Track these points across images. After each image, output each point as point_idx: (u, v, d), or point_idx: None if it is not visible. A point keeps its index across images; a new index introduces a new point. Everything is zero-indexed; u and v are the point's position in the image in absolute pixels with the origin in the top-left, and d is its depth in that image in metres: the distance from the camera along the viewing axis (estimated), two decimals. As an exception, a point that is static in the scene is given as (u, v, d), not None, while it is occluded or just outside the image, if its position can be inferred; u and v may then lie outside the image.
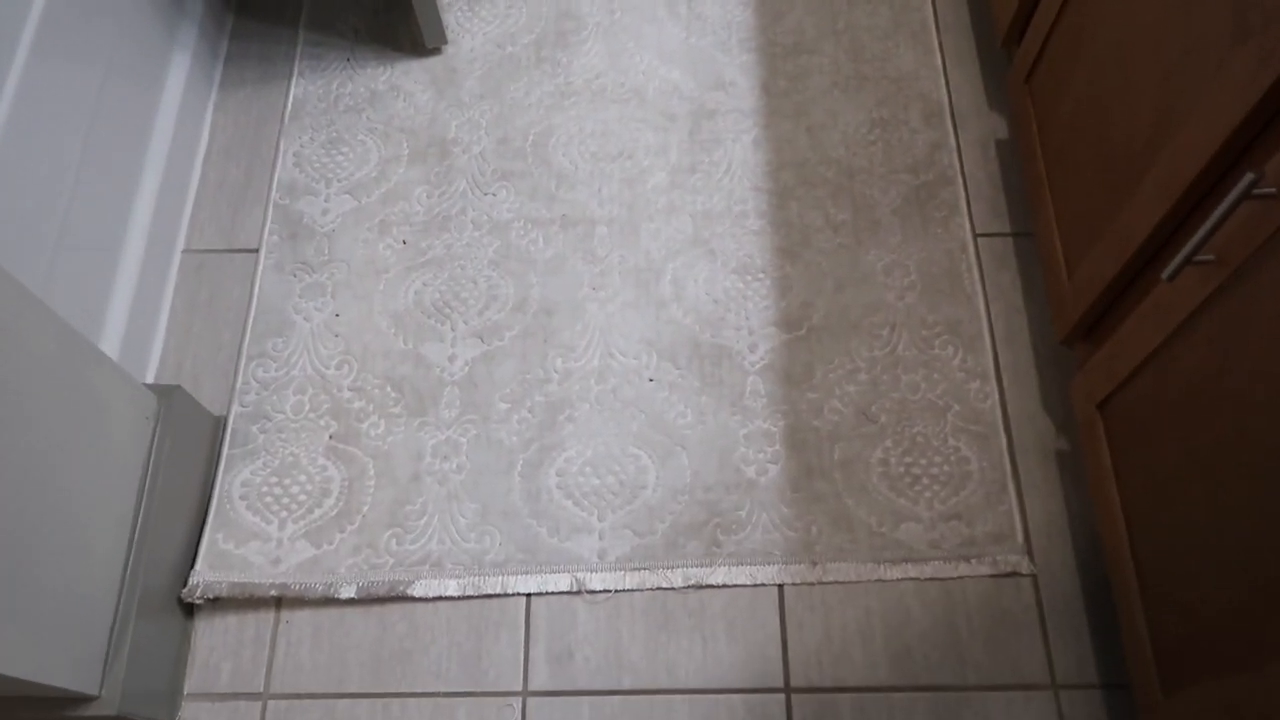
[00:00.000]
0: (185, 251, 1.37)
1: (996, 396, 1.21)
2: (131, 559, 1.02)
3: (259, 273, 1.34)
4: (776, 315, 1.27)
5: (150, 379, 1.28)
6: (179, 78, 1.40)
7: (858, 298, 1.28)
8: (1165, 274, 0.80)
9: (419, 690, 1.10)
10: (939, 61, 1.45)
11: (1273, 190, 0.71)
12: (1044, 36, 1.14)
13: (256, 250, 1.36)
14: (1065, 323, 1.08)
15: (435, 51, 1.50)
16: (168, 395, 1.11)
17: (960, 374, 1.23)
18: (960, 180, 1.36)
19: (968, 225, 1.32)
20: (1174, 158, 0.84)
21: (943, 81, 1.43)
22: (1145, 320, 0.90)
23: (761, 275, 1.30)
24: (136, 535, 1.03)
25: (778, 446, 1.19)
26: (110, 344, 1.20)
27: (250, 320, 1.30)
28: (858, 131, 1.40)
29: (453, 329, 1.28)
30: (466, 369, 1.26)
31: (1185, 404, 0.85)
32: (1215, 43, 0.79)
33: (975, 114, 1.41)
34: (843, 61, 1.46)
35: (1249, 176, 0.70)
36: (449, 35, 1.50)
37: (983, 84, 1.43)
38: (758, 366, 1.24)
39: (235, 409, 1.24)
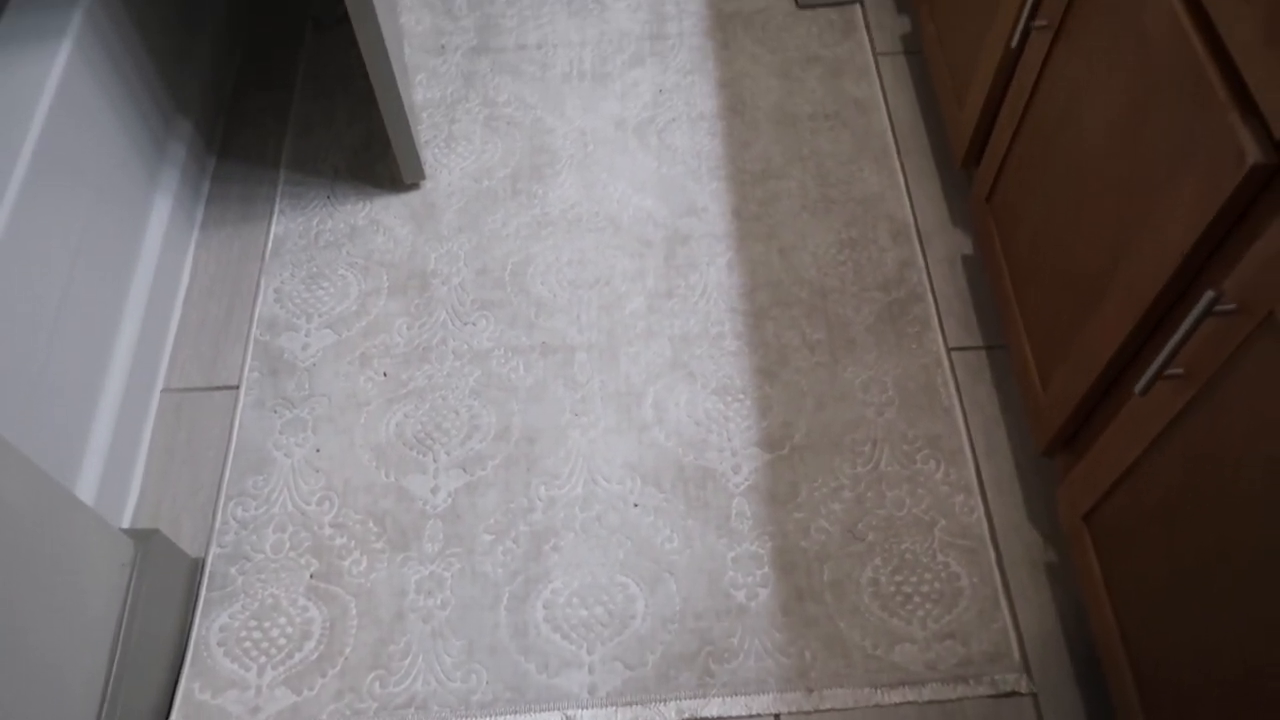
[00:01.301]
0: (164, 391, 1.36)
1: (982, 510, 1.21)
2: (104, 713, 0.98)
3: (239, 410, 1.33)
4: (758, 435, 1.28)
5: (127, 522, 1.25)
6: (161, 220, 1.42)
7: (838, 415, 1.29)
8: (1137, 388, 0.82)
9: (404, 844, 1.04)
10: (902, 182, 1.51)
11: (1233, 306, 0.73)
12: (1000, 160, 1.19)
13: (237, 387, 1.36)
14: (1044, 435, 1.10)
15: (414, 187, 1.54)
16: (145, 540, 1.09)
17: (944, 488, 1.23)
18: (930, 296, 1.39)
19: (940, 340, 1.35)
20: (1134, 276, 0.87)
21: (907, 201, 1.48)
22: (1122, 433, 0.91)
23: (742, 396, 1.31)
24: (110, 689, 1.00)
25: (766, 569, 1.18)
26: (87, 487, 1.19)
27: (229, 458, 1.29)
28: (828, 252, 1.44)
29: (435, 460, 1.28)
30: (449, 500, 1.25)
31: (1169, 513, 0.85)
32: (1164, 166, 0.83)
33: (940, 231, 1.45)
34: (810, 185, 1.51)
35: (1209, 294, 0.73)
36: (427, 171, 1.54)
37: (945, 203, 1.48)
38: (742, 487, 1.24)
39: (214, 550, 1.22)
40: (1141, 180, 0.86)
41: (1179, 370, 0.80)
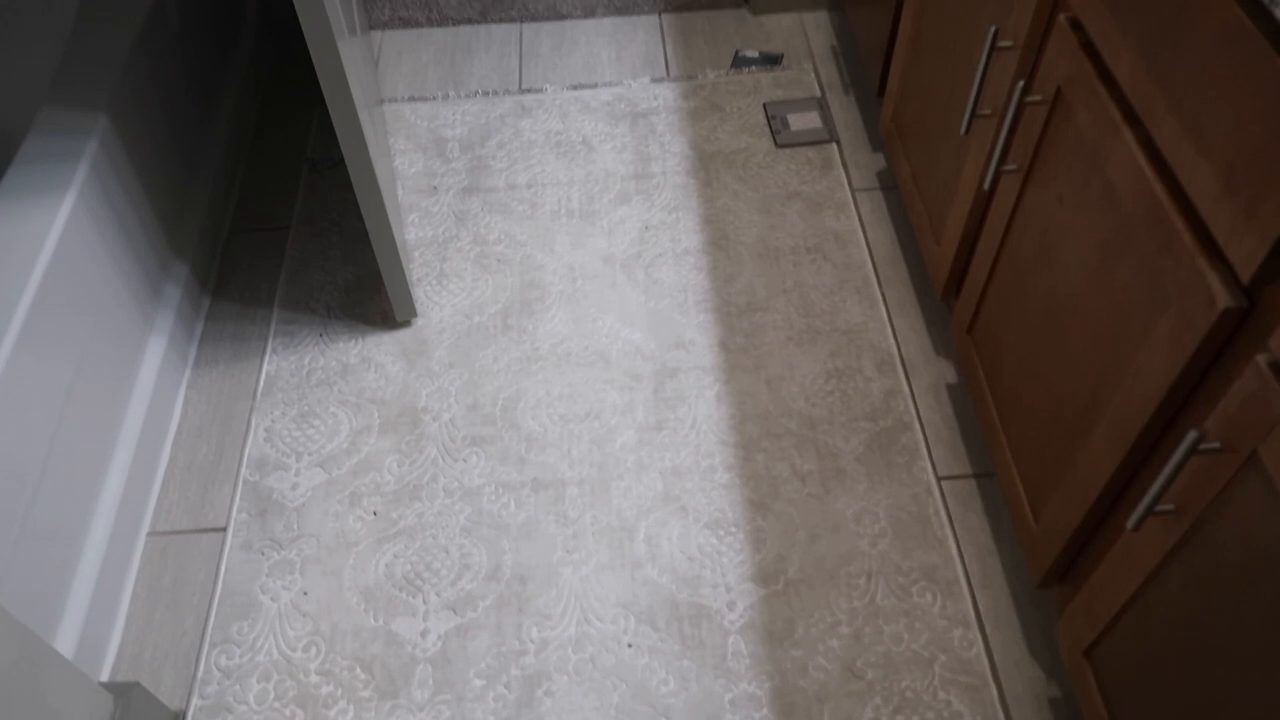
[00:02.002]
0: (150, 534, 1.35)
1: (981, 644, 1.20)
2: None
3: (225, 552, 1.32)
4: (752, 570, 1.27)
5: (107, 673, 1.22)
6: (154, 362, 1.43)
7: (832, 548, 1.28)
8: (1129, 524, 0.82)
9: None
10: (884, 313, 1.54)
11: (1217, 445, 0.74)
12: (979, 293, 1.23)
13: (224, 529, 1.34)
14: (1039, 566, 1.09)
15: (405, 324, 1.56)
16: (125, 694, 1.06)
17: (942, 622, 1.22)
18: (918, 425, 1.40)
19: (930, 469, 1.36)
20: (1118, 412, 0.88)
21: (890, 331, 1.52)
22: (1118, 566, 0.91)
23: (734, 529, 1.31)
24: None
25: (765, 711, 1.15)
26: (67, 637, 1.15)
27: (214, 604, 1.27)
28: (815, 383, 1.46)
29: (424, 602, 1.26)
30: (439, 644, 1.22)
31: (1173, 649, 0.84)
32: (1138, 307, 0.85)
33: (924, 360, 1.48)
34: (794, 317, 1.54)
35: (1192, 434, 0.74)
36: (419, 308, 1.57)
37: (928, 332, 1.51)
38: (738, 625, 1.22)
39: (195, 701, 1.18)
40: (1118, 320, 0.89)
41: (1169, 506, 0.81)
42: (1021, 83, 1.03)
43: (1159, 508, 0.81)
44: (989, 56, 1.09)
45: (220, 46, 1.80)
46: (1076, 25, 0.95)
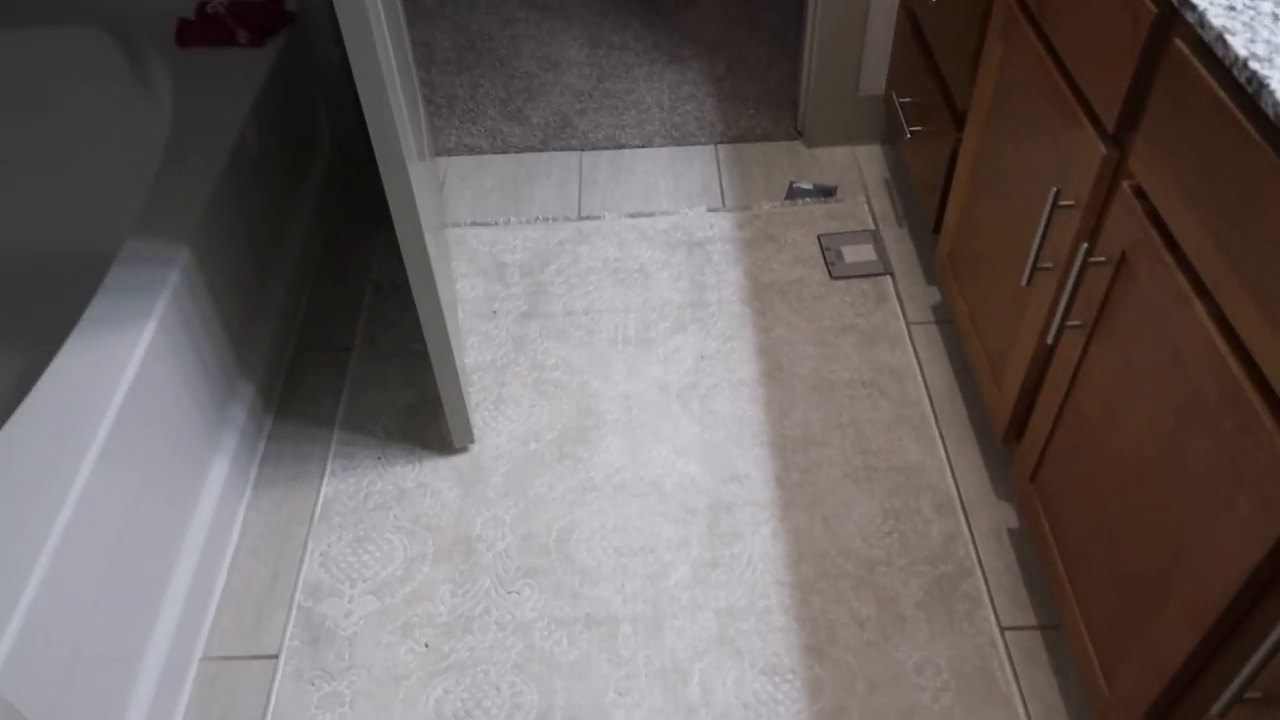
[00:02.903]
0: (203, 659, 1.35)
1: (1051, 812, 1.14)
2: None
3: (276, 681, 1.31)
4: (810, 721, 1.23)
5: (151, 807, 1.20)
6: (216, 482, 1.46)
7: (892, 700, 1.24)
8: (1215, 710, 0.79)
9: None
10: (942, 452, 1.53)
11: (1307, 635, 0.72)
12: (1042, 443, 1.21)
13: (276, 656, 1.34)
14: (1112, 735, 1.05)
15: (462, 450, 1.58)
16: (172, 836, 1.04)
17: (1009, 785, 1.17)
18: (979, 571, 1.37)
19: (993, 619, 1.32)
20: (1197, 588, 0.86)
21: (948, 472, 1.50)
22: (1200, 749, 0.87)
23: (791, 676, 1.28)
24: None
25: None
26: (116, 770, 1.15)
27: (263, 736, 1.26)
28: (872, 522, 1.44)
29: (474, 743, 1.24)
30: (488, 789, 1.19)
31: None
32: (1214, 481, 0.84)
33: (984, 503, 1.46)
34: (850, 454, 1.53)
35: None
36: (475, 434, 1.59)
37: (987, 473, 1.50)
38: (795, 781, 1.18)
39: (239, 842, 1.16)
40: (1193, 491, 0.87)
41: (1258, 694, 0.78)
42: (1085, 245, 1.04)
43: (1248, 694, 0.78)
44: (1050, 214, 1.10)
45: (294, 175, 1.88)
46: (1140, 193, 0.96)
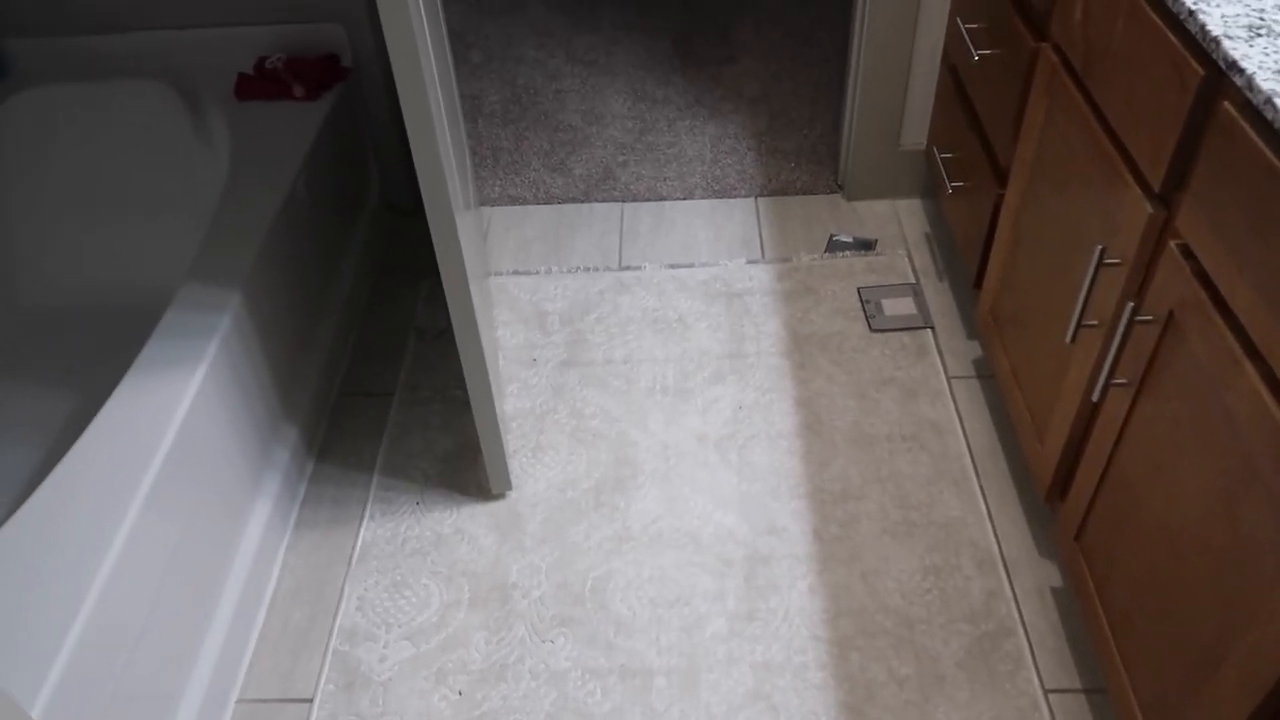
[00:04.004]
0: (239, 701, 1.35)
1: None
2: None
3: (311, 726, 1.31)
4: (847, 783, 1.21)
5: None
6: (259, 525, 1.48)
7: (932, 763, 1.22)
8: (1271, 785, 0.77)
9: None
10: (983, 508, 1.51)
11: (1368, 709, 0.70)
12: (1087, 502, 1.20)
13: (310, 700, 1.34)
14: (1163, 807, 1.02)
15: (500, 496, 1.59)
16: None
17: None
18: (1022, 631, 1.35)
19: (1036, 681, 1.29)
20: (1251, 656, 0.84)
21: (989, 528, 1.48)
22: (1256, 825, 0.84)
23: (828, 735, 1.26)
24: None
25: None
26: (150, 811, 1.15)
27: (297, 781, 1.25)
28: (912, 579, 1.42)
29: (506, 794, 1.22)
30: (519, 843, 1.18)
31: None
32: (1269, 547, 0.82)
33: (1027, 561, 1.43)
34: (890, 508, 1.52)
35: (1341, 697, 0.70)
36: (513, 481, 1.59)
37: (1029, 530, 1.47)
38: (832, 844, 1.15)
39: None
40: (1246, 556, 0.86)
41: (1315, 769, 0.75)
42: (1131, 304, 1.03)
43: (1304, 770, 0.75)
44: (1095, 273, 1.10)
45: (342, 224, 1.93)
46: (1188, 253, 0.96)
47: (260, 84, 1.83)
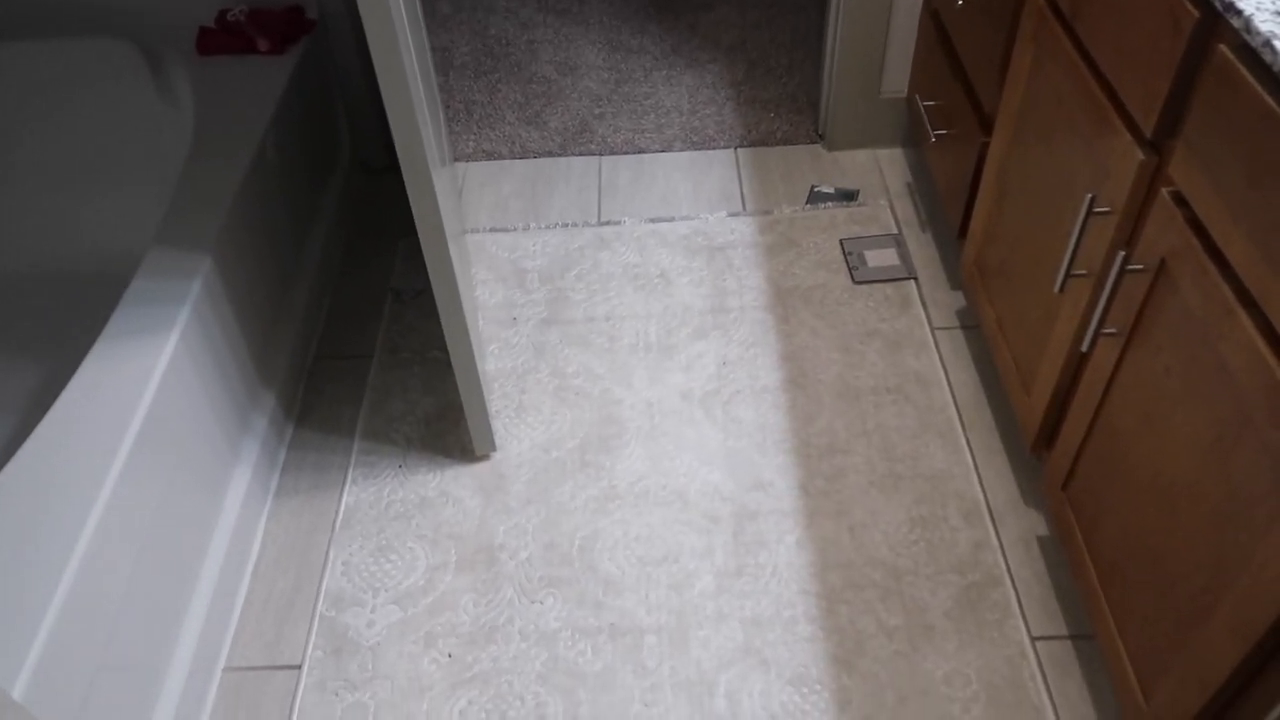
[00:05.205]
0: (226, 670, 1.34)
1: (1086, 829, 1.12)
2: None
3: (299, 693, 1.30)
4: (839, 734, 1.22)
5: (176, 819, 1.20)
6: (238, 492, 1.45)
7: (922, 712, 1.23)
8: (1262, 729, 0.77)
9: None
10: (969, 459, 1.51)
11: (1361, 655, 0.70)
12: (1074, 452, 1.19)
13: (299, 667, 1.33)
14: (1150, 751, 1.03)
15: (484, 458, 1.57)
16: None
17: (1042, 801, 1.15)
18: (1009, 580, 1.36)
19: (1023, 629, 1.30)
20: (1241, 603, 0.84)
21: (975, 479, 1.48)
22: (1245, 768, 0.85)
23: (818, 687, 1.26)
24: None
25: None
26: (140, 782, 1.14)
27: (288, 748, 1.25)
28: (899, 531, 1.42)
29: (499, 755, 1.22)
30: (514, 803, 1.18)
31: None
32: (1261, 495, 0.82)
33: (1012, 511, 1.44)
34: (876, 461, 1.52)
35: (1335, 644, 0.70)
36: (497, 441, 1.58)
37: (1015, 481, 1.48)
38: (824, 795, 1.17)
39: None
40: (1238, 505, 0.86)
41: (1307, 714, 0.76)
42: (1122, 253, 1.02)
43: (1296, 715, 0.76)
44: (1084, 221, 1.08)
45: (314, 183, 1.88)
46: (1180, 200, 0.94)
47: (223, 38, 1.76)
